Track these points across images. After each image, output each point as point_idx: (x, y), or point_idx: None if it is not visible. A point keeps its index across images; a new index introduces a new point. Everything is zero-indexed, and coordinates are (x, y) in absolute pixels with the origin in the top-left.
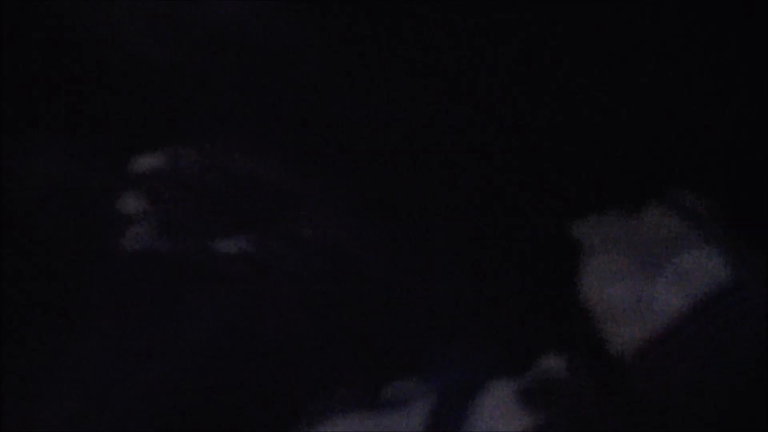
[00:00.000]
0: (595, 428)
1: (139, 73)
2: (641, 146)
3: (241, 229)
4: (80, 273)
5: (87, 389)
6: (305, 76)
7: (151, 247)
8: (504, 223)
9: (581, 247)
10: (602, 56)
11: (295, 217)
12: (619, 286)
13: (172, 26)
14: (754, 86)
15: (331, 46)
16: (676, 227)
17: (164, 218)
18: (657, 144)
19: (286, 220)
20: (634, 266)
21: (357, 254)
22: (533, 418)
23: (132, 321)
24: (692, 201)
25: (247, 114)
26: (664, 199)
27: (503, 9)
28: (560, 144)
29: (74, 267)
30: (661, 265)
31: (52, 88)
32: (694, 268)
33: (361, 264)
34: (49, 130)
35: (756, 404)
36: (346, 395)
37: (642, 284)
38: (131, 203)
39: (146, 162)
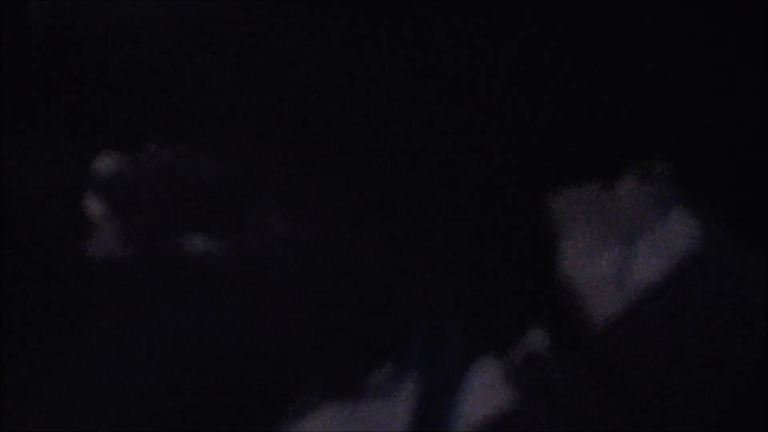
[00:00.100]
0: (595, 428)
1: (139, 73)
2: (614, 116)
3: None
4: (80, 273)
5: (87, 389)
6: (305, 76)
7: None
8: (504, 223)
9: (560, 222)
10: (602, 56)
11: (295, 217)
12: (599, 259)
13: (172, 26)
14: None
15: (331, 46)
16: (652, 196)
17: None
18: (630, 112)
19: (286, 219)
20: (613, 238)
21: (357, 254)
22: (518, 395)
23: (132, 321)
24: (667, 168)
25: (247, 114)
26: (639, 169)
27: (503, 9)
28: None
29: (74, 267)
30: (640, 234)
31: (52, 88)
32: (672, 234)
33: (361, 264)
34: (49, 130)
35: (756, 404)
36: (326, 386)
37: (621, 255)
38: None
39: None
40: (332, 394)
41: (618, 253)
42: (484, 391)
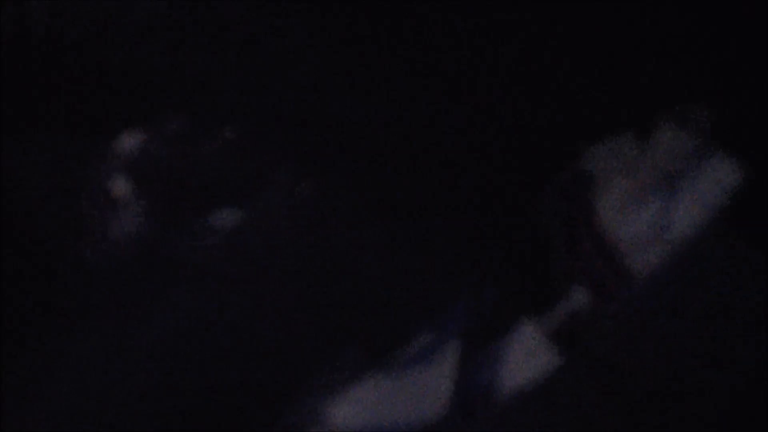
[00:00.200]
0: (595, 428)
1: (139, 73)
2: (643, 63)
3: (241, 229)
4: (80, 273)
5: (87, 389)
6: (305, 76)
7: (151, 248)
8: (504, 223)
9: (594, 177)
10: (602, 56)
11: (294, 217)
12: (638, 213)
13: (172, 26)
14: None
15: (331, 46)
16: (689, 144)
17: (164, 218)
18: (659, 60)
19: (285, 219)
20: (651, 190)
21: (357, 254)
22: (560, 358)
23: (132, 321)
24: (703, 114)
25: (247, 114)
26: (674, 117)
27: (503, 9)
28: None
29: (74, 267)
30: (679, 185)
31: (52, 88)
32: (712, 183)
33: (361, 264)
34: (49, 130)
35: (756, 404)
36: (353, 357)
37: (661, 208)
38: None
39: (145, 162)
40: (372, 364)
41: (657, 207)
42: (525, 355)
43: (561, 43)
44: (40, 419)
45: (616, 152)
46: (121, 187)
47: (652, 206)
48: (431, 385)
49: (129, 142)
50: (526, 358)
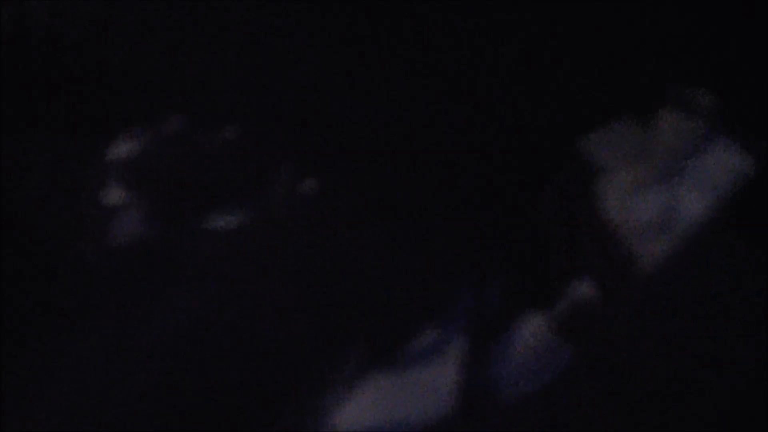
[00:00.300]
0: (595, 428)
1: (139, 73)
2: (642, 47)
3: (241, 229)
4: (80, 273)
5: (87, 389)
6: (305, 76)
7: (151, 248)
8: (504, 222)
9: (595, 165)
10: (602, 56)
11: (294, 217)
12: (642, 200)
13: (172, 26)
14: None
15: (331, 46)
16: (693, 128)
17: (164, 218)
18: (661, 49)
19: (285, 219)
20: (654, 176)
21: (357, 254)
22: (561, 357)
23: (131, 321)
24: (706, 97)
25: (247, 114)
26: (676, 100)
27: (503, 9)
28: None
29: (74, 267)
30: (683, 170)
31: (52, 88)
32: (717, 168)
33: (361, 264)
34: (49, 130)
35: (756, 404)
36: (353, 357)
37: (665, 194)
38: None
39: (145, 162)
40: (372, 364)
41: (662, 192)
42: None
43: (561, 43)
44: (40, 419)
45: (619, 143)
46: (120, 187)
47: (657, 196)
48: (432, 384)
49: (129, 142)
50: (525, 357)
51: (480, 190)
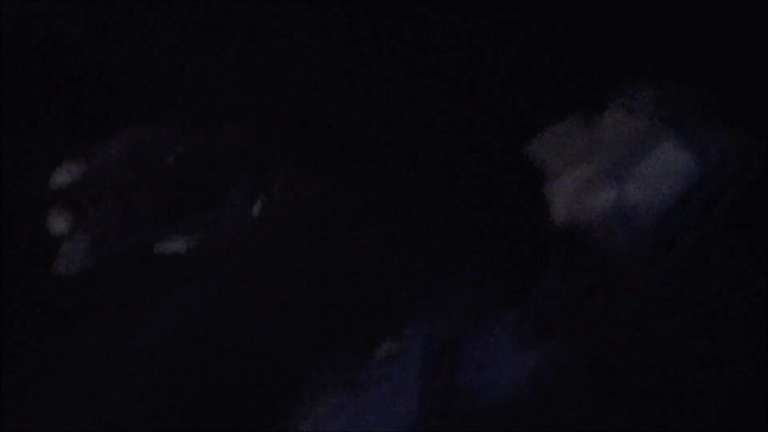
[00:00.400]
0: (595, 428)
1: (139, 73)
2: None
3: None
4: (80, 273)
5: (87, 389)
6: (305, 76)
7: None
8: (504, 223)
9: (546, 168)
10: (602, 56)
11: (294, 217)
12: (594, 196)
13: (172, 26)
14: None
15: (331, 46)
16: (639, 125)
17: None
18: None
19: (285, 220)
20: (604, 174)
21: (357, 254)
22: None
23: (131, 321)
24: (652, 93)
25: (247, 114)
26: (622, 98)
27: (503, 9)
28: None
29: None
30: (631, 167)
31: (52, 88)
32: (665, 164)
33: (361, 264)
34: (49, 130)
35: (756, 404)
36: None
37: (616, 189)
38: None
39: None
40: (336, 381)
41: (613, 187)
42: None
43: (561, 43)
44: (40, 419)
45: (563, 143)
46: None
47: (607, 193)
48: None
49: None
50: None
51: (480, 190)
